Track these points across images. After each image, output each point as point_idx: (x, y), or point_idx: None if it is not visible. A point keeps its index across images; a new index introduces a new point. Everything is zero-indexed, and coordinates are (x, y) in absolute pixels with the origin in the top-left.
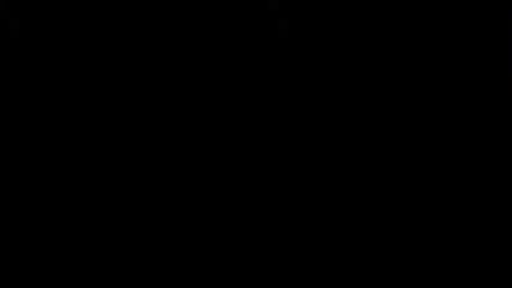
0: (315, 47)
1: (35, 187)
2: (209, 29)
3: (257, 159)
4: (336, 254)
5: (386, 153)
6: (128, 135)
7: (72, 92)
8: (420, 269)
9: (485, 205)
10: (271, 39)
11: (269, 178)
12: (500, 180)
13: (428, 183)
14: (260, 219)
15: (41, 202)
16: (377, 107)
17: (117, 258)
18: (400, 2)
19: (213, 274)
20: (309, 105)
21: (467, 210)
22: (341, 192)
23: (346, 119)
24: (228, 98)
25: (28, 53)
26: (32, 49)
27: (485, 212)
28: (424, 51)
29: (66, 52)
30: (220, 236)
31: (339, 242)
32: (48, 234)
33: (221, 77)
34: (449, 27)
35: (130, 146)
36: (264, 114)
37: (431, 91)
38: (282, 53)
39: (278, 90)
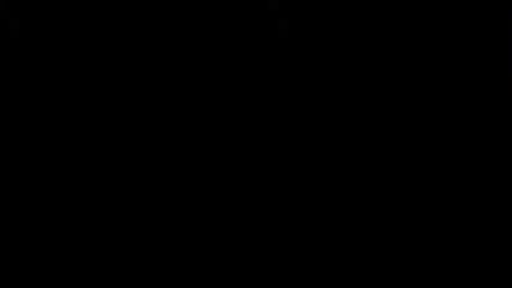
0: (315, 47)
1: (35, 187)
2: (209, 29)
3: (257, 158)
4: (336, 254)
5: (387, 153)
6: (128, 135)
7: (72, 91)
8: (420, 269)
9: (485, 205)
10: (271, 39)
11: (269, 178)
12: (500, 180)
13: (429, 183)
14: (260, 219)
15: (41, 202)
16: (377, 107)
17: (117, 258)
18: (400, 2)
19: (213, 274)
20: (308, 105)
21: (467, 210)
22: (341, 191)
23: (346, 119)
24: (228, 97)
25: (28, 53)
26: (32, 49)
27: (485, 211)
28: (424, 51)
29: (66, 52)
30: (220, 236)
31: (339, 242)
32: (48, 234)
33: (221, 77)
34: (450, 27)
35: (131, 145)
36: (264, 114)
37: (431, 91)
38: (282, 53)
39: (278, 90)
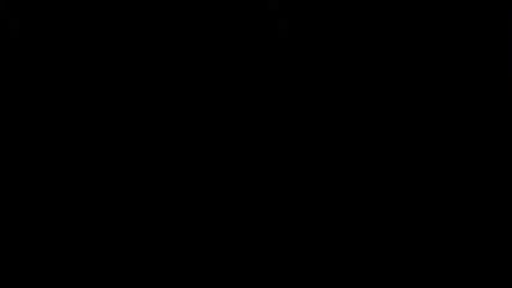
0: (315, 47)
1: (35, 187)
2: (209, 29)
3: (257, 158)
4: (336, 254)
5: (387, 153)
6: (128, 135)
7: (72, 91)
8: (420, 269)
9: (485, 205)
10: (271, 39)
11: (269, 178)
12: (500, 180)
13: (429, 183)
14: (260, 219)
15: (41, 202)
16: (377, 107)
17: (117, 258)
18: (400, 2)
19: (213, 274)
20: (308, 105)
21: (467, 210)
22: (341, 192)
23: (346, 119)
24: (228, 97)
25: (28, 53)
26: (32, 49)
27: (485, 211)
28: (424, 51)
29: (66, 52)
30: (220, 236)
31: (338, 242)
32: (48, 234)
33: (221, 77)
34: (450, 27)
35: (131, 146)
36: (264, 114)
37: (431, 91)
38: (282, 53)
39: (278, 90)
